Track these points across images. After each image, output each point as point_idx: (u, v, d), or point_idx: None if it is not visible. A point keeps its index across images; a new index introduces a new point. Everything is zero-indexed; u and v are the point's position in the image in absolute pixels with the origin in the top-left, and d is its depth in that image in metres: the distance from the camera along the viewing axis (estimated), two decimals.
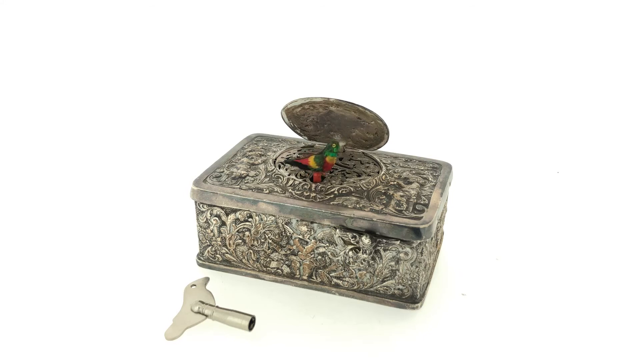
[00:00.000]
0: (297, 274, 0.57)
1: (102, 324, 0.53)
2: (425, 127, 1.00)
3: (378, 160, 0.62)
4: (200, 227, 0.58)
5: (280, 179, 0.58)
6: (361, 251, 0.53)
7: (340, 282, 0.56)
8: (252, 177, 0.58)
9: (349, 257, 0.54)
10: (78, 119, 1.01)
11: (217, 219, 0.57)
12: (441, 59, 1.15)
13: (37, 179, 0.80)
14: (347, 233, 0.53)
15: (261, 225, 0.56)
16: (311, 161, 0.56)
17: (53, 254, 0.63)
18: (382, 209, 0.53)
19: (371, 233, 0.52)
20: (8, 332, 0.52)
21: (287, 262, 0.57)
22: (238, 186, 0.57)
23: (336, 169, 0.59)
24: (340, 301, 0.56)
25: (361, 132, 0.59)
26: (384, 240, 0.52)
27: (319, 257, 0.55)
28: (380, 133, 0.58)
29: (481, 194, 0.78)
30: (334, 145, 0.56)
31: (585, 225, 0.71)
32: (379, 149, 0.64)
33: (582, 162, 0.89)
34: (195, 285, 0.56)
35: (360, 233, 0.53)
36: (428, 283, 0.58)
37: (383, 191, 0.56)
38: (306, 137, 0.63)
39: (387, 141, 0.59)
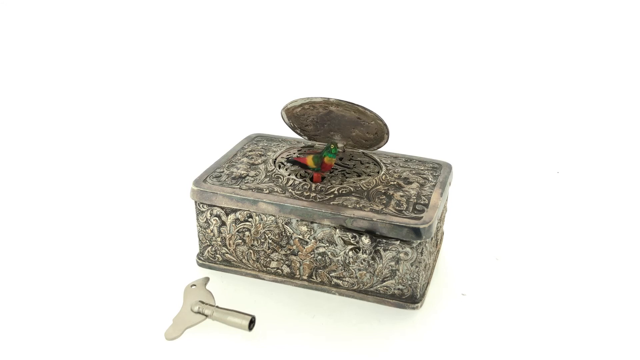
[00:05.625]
0: (297, 274, 0.57)
1: (102, 324, 0.53)
2: (425, 127, 1.00)
3: (378, 160, 0.62)
4: (200, 227, 0.58)
5: (280, 179, 0.58)
6: (361, 251, 0.53)
7: (340, 282, 0.56)
8: (252, 177, 0.58)
9: (349, 257, 0.54)
10: (78, 120, 1.01)
11: (217, 219, 0.57)
12: (441, 59, 1.15)
13: (37, 180, 0.80)
14: (347, 233, 0.53)
15: (261, 225, 0.56)
16: (309, 160, 0.57)
17: (53, 254, 0.63)
18: (382, 209, 0.53)
19: (371, 233, 0.52)
20: (9, 332, 0.52)
21: (287, 262, 0.57)
22: (238, 186, 0.57)
23: (336, 169, 0.59)
24: (340, 301, 0.56)
25: (361, 132, 0.59)
26: (384, 240, 0.52)
27: (319, 257, 0.55)
28: (380, 133, 0.58)
29: (481, 194, 0.78)
30: (332, 146, 0.56)
31: (585, 225, 0.71)
32: (379, 149, 0.64)
33: (582, 162, 0.89)
34: (195, 285, 0.56)
35: (360, 233, 0.53)
36: (428, 283, 0.58)
37: (383, 191, 0.56)
38: (306, 137, 0.63)
39: (387, 141, 0.59)
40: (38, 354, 0.50)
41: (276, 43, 1.18)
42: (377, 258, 0.53)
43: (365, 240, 0.52)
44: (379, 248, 0.53)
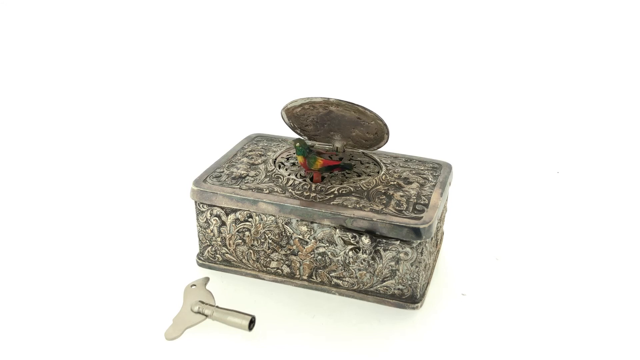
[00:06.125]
0: (297, 274, 0.57)
1: (102, 324, 0.53)
2: (425, 127, 1.00)
3: (378, 160, 0.62)
4: (200, 227, 0.58)
5: (280, 179, 0.58)
6: (361, 251, 0.53)
7: (340, 282, 0.56)
8: (252, 177, 0.58)
9: (349, 257, 0.54)
10: (78, 120, 1.01)
11: (217, 219, 0.57)
12: (441, 59, 1.15)
13: (37, 180, 0.80)
14: (347, 233, 0.53)
15: (261, 225, 0.56)
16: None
17: (53, 254, 0.63)
18: (382, 209, 0.53)
19: (371, 233, 0.52)
20: (9, 332, 0.52)
21: (287, 262, 0.57)
22: (238, 186, 0.57)
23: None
24: (340, 301, 0.56)
25: (361, 132, 0.59)
26: (384, 240, 0.52)
27: (319, 257, 0.55)
28: (380, 133, 0.58)
29: (481, 194, 0.78)
30: (297, 144, 0.56)
31: (585, 225, 0.71)
32: (379, 149, 0.64)
33: (582, 162, 0.89)
34: (195, 285, 0.56)
35: (360, 233, 0.53)
36: (428, 283, 0.58)
37: (383, 191, 0.56)
38: (306, 137, 0.63)
39: (387, 141, 0.59)
40: (38, 354, 0.50)
41: (276, 43, 1.18)
42: (377, 258, 0.53)
43: (365, 240, 0.52)
44: (379, 248, 0.53)
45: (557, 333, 0.53)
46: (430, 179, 0.59)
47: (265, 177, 0.58)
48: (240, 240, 0.57)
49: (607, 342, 0.52)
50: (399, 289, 0.55)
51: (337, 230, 0.53)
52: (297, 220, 0.54)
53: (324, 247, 0.55)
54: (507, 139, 0.96)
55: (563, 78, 1.11)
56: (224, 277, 0.59)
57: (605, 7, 1.11)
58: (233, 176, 0.59)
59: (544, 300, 0.57)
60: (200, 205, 0.57)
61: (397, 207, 0.53)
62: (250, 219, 0.56)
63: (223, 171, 0.60)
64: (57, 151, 0.89)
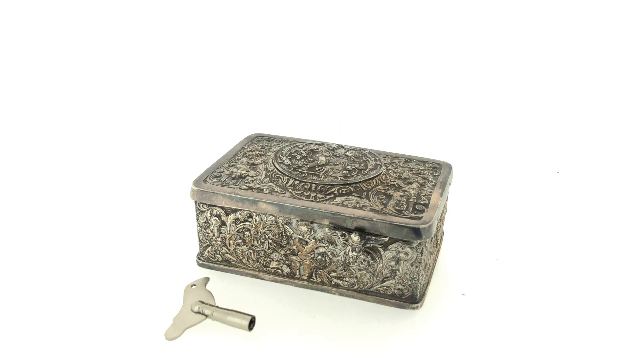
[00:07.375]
0: (297, 274, 0.57)
1: (102, 324, 0.53)
2: (425, 127, 1.00)
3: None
4: (200, 227, 0.58)
5: (280, 179, 0.58)
6: (350, 249, 0.53)
7: (340, 282, 0.56)
8: (252, 177, 0.58)
9: (349, 257, 0.54)
10: (78, 120, 1.01)
11: (217, 219, 0.57)
12: (441, 59, 1.15)
13: (37, 180, 0.80)
14: (337, 231, 0.53)
15: (261, 225, 0.56)
16: None
17: (53, 254, 0.63)
18: (382, 209, 0.53)
19: (360, 230, 0.52)
20: (8, 332, 0.52)
21: (287, 262, 0.57)
22: (238, 186, 0.57)
23: None
24: (340, 301, 0.56)
25: None
26: (373, 238, 0.52)
27: (319, 257, 0.55)
28: None
29: (481, 194, 0.78)
30: None
31: (585, 225, 0.71)
32: (379, 149, 0.64)
33: (582, 162, 0.89)
34: (195, 285, 0.56)
35: (350, 231, 0.53)
36: (428, 283, 0.58)
37: (383, 191, 0.56)
38: None
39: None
40: (38, 354, 0.50)
41: (276, 42, 1.18)
42: (377, 258, 0.53)
43: (355, 237, 0.52)
44: (377, 247, 0.53)
45: (557, 333, 0.53)
46: (430, 179, 0.59)
47: (265, 177, 0.58)
48: (240, 240, 0.57)
49: (607, 342, 0.52)
50: (399, 289, 0.55)
51: (327, 229, 0.53)
52: (297, 220, 0.54)
53: (324, 247, 0.55)
54: (507, 139, 0.96)
55: (563, 78, 1.11)
56: (224, 277, 0.59)
57: (605, 7, 1.11)
58: (233, 176, 0.59)
59: (544, 300, 0.57)
60: (200, 205, 0.57)
61: (397, 207, 0.53)
62: (250, 219, 0.56)
63: (223, 171, 0.60)
64: (57, 152, 0.89)
